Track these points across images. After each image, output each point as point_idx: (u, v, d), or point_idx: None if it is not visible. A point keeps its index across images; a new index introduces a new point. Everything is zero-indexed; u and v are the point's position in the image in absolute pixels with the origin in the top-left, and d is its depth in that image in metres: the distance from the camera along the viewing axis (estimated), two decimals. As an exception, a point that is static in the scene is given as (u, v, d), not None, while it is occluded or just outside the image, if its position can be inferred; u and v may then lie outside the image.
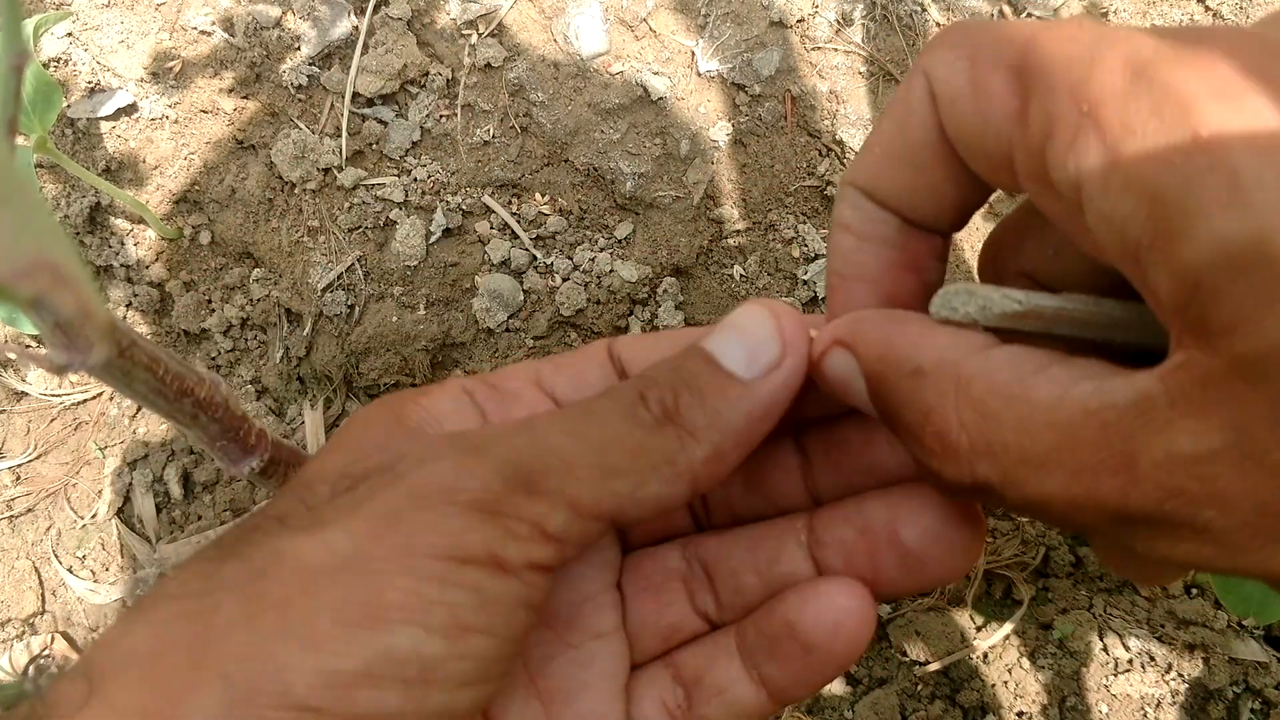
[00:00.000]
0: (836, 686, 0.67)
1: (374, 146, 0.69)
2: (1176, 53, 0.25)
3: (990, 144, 0.29)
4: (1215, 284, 0.22)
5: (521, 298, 0.67)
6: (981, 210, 0.62)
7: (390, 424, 0.35)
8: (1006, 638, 0.67)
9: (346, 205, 0.68)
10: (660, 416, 0.33)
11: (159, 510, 0.73)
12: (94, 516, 0.74)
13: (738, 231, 0.68)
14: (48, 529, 0.74)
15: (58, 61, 0.69)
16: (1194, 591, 0.66)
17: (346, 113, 0.68)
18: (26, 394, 0.75)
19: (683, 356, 0.34)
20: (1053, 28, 0.28)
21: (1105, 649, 0.66)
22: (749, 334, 0.34)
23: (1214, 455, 0.24)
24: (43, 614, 0.73)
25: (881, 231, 0.34)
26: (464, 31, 0.68)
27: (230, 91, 0.69)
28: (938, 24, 0.66)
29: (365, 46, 0.68)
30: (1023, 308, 0.33)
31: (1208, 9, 0.65)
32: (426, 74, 0.68)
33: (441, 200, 0.68)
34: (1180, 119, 0.24)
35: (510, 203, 0.68)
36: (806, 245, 0.67)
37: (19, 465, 0.75)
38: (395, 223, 0.68)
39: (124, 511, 0.74)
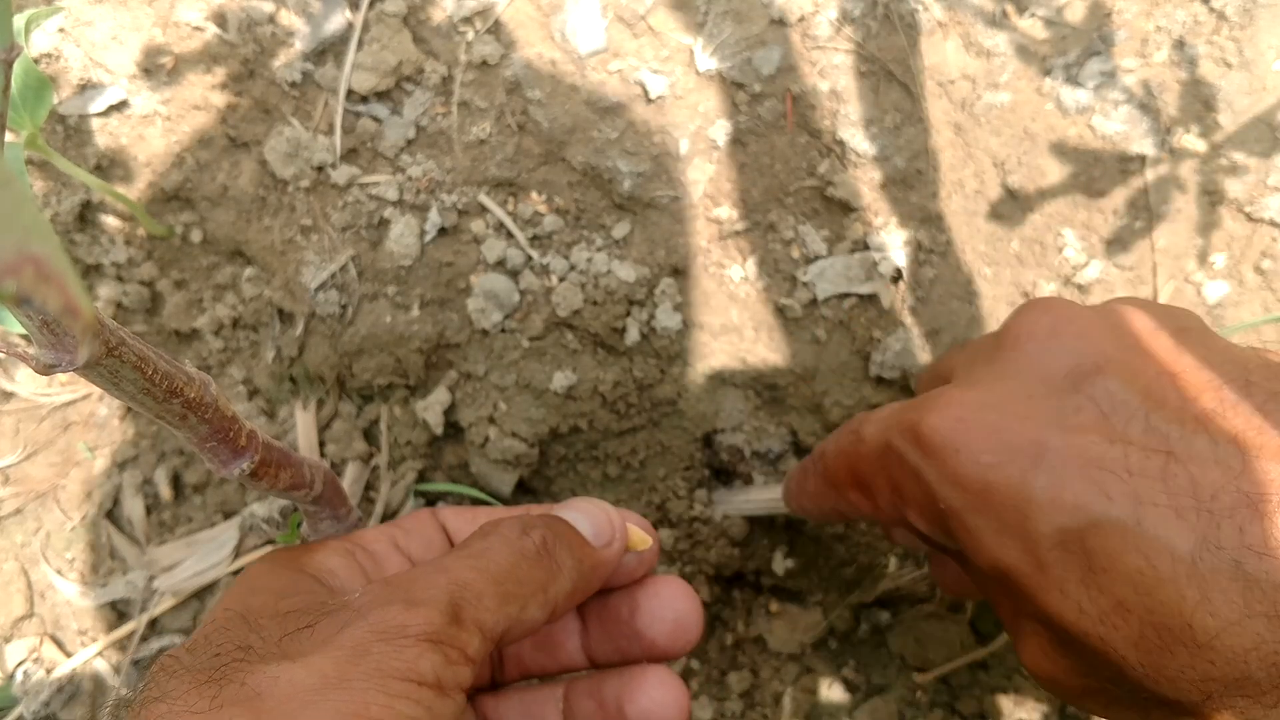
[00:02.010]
0: (836, 693, 0.67)
1: (368, 144, 0.68)
2: (912, 441, 0.42)
3: (872, 520, 0.53)
4: (1000, 581, 0.41)
5: (517, 298, 0.67)
6: (985, 213, 0.61)
7: (294, 573, 0.43)
8: (1006, 644, 0.67)
9: (340, 204, 0.67)
10: (540, 549, 0.42)
11: (149, 512, 0.72)
12: (83, 518, 0.73)
13: (737, 232, 0.67)
14: (36, 530, 0.73)
15: (49, 57, 0.68)
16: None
17: (340, 110, 0.68)
18: (15, 394, 0.75)
19: (548, 516, 0.45)
20: (855, 444, 0.48)
21: (1106, 655, 0.65)
22: (593, 517, 0.47)
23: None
24: (31, 617, 0.72)
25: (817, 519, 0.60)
26: (460, 28, 0.67)
27: (223, 88, 0.68)
28: (940, 23, 0.66)
29: (360, 43, 0.68)
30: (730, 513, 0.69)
31: (1212, 10, 0.64)
32: (422, 71, 0.68)
33: (436, 199, 0.67)
34: (934, 499, 0.42)
35: (506, 202, 0.67)
36: (806, 246, 0.66)
37: (7, 466, 0.74)
38: (389, 221, 0.67)
39: (113, 513, 0.73)
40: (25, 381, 0.75)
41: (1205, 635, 0.34)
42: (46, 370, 0.28)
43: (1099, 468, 0.37)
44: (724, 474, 0.73)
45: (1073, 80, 0.65)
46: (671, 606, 0.50)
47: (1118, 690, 0.39)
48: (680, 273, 0.67)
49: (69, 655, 0.70)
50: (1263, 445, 0.35)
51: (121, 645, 0.70)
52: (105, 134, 0.69)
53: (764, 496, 0.68)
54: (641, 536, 0.50)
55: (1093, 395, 0.39)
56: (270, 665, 0.34)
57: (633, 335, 0.66)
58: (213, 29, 0.68)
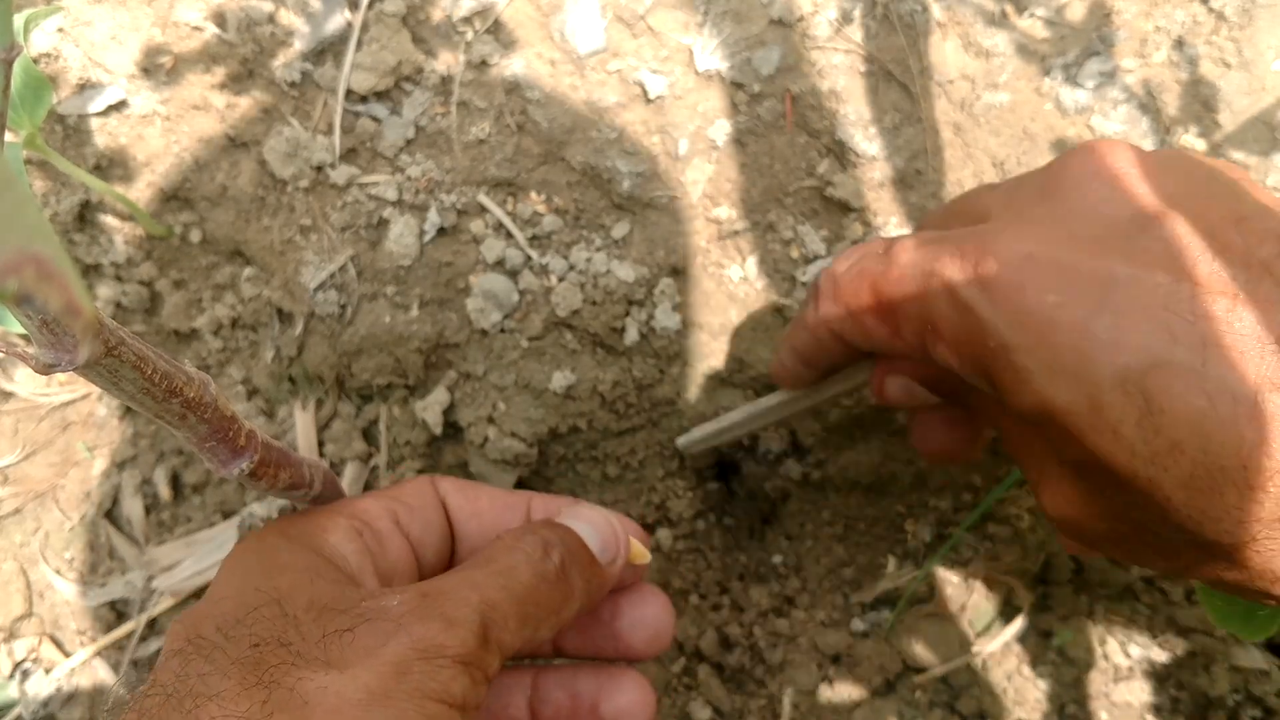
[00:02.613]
0: (834, 693, 0.67)
1: (367, 144, 0.68)
2: (969, 276, 0.42)
3: (881, 348, 0.50)
4: (1041, 422, 0.41)
5: (516, 298, 0.67)
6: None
7: (311, 554, 0.45)
8: (1006, 645, 0.67)
9: (339, 203, 0.67)
10: (559, 573, 0.44)
11: (148, 512, 0.72)
12: (82, 518, 0.73)
13: (736, 232, 0.67)
14: (35, 530, 0.73)
15: (48, 57, 0.68)
16: (1194, 599, 0.66)
17: (340, 109, 0.68)
18: (14, 394, 0.75)
19: (565, 530, 0.47)
20: (883, 266, 0.47)
21: (1106, 656, 0.65)
22: (601, 532, 0.49)
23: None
24: (29, 616, 0.72)
25: (804, 373, 0.57)
26: (459, 28, 0.67)
27: (222, 88, 0.68)
28: (939, 23, 0.66)
29: (359, 42, 0.68)
30: (699, 439, 0.68)
31: (1211, 10, 0.64)
32: (421, 70, 0.68)
33: (436, 199, 0.67)
34: (983, 335, 0.41)
35: (505, 202, 0.67)
36: (806, 246, 0.66)
37: (6, 466, 0.74)
38: (388, 221, 0.67)
39: (112, 513, 0.73)
40: (24, 381, 0.75)
41: (1260, 476, 0.35)
42: (46, 370, 0.28)
43: (1164, 309, 0.37)
44: (723, 472, 0.73)
45: (1072, 80, 0.65)
46: (654, 616, 0.53)
47: (1149, 534, 0.40)
48: (679, 273, 0.67)
49: (68, 655, 0.70)
50: None
51: (120, 645, 0.70)
52: (104, 134, 0.69)
53: (726, 421, 0.66)
54: (641, 550, 0.52)
55: (1159, 236, 0.39)
56: (316, 672, 0.36)
57: (632, 335, 0.66)
58: (212, 29, 0.68)
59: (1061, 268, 0.40)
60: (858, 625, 0.68)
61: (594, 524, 0.50)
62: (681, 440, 0.68)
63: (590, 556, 0.48)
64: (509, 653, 0.41)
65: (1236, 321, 0.36)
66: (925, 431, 0.57)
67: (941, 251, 0.44)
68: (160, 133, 0.69)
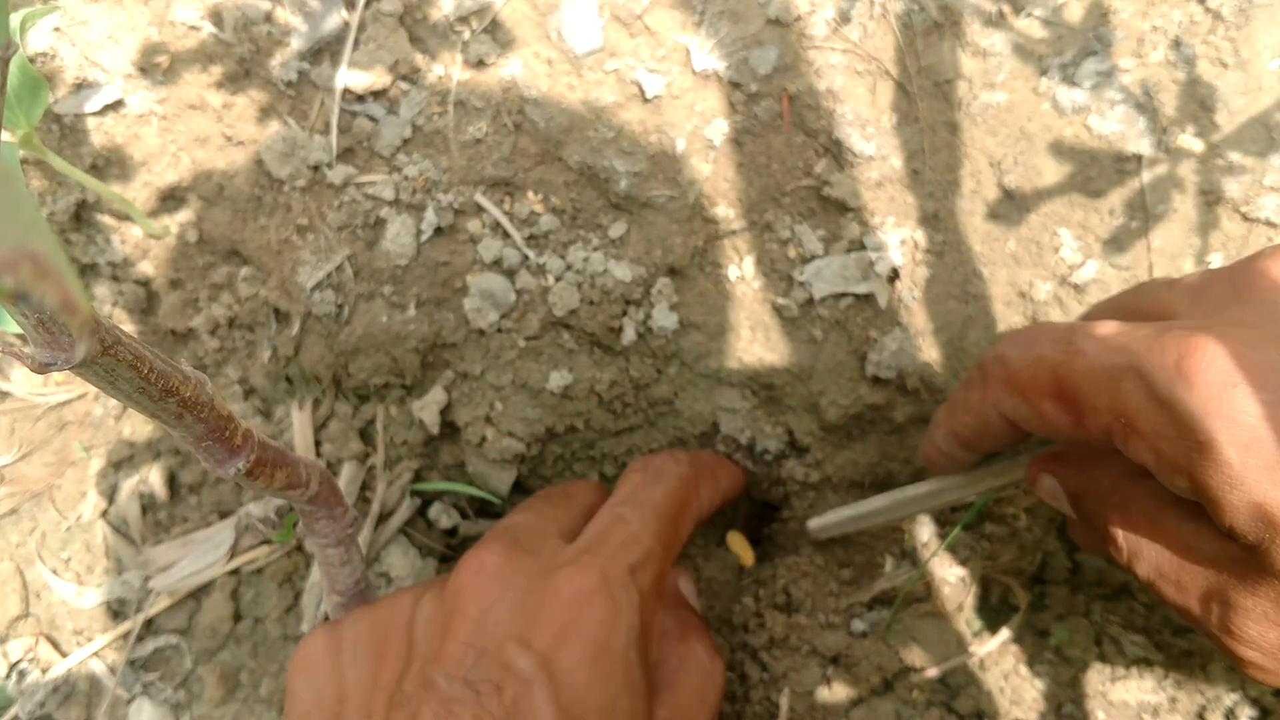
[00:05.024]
0: (832, 693, 0.67)
1: (364, 143, 0.68)
2: (1173, 372, 0.41)
3: (1058, 435, 0.49)
4: (1255, 533, 0.39)
5: (514, 298, 0.67)
6: (982, 213, 0.61)
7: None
8: (1003, 644, 0.67)
9: (336, 203, 0.67)
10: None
11: (144, 512, 0.72)
12: (79, 518, 0.73)
13: (733, 232, 0.67)
14: (32, 530, 0.73)
15: (44, 56, 0.68)
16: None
17: (337, 109, 0.68)
18: (10, 394, 0.75)
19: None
20: (1067, 355, 0.46)
21: (1102, 655, 0.65)
22: (692, 595, 0.67)
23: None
24: (26, 617, 0.72)
25: (960, 457, 0.58)
26: (456, 27, 0.67)
27: (219, 87, 0.68)
28: (936, 23, 0.66)
29: (356, 42, 0.68)
30: (833, 524, 0.67)
31: (1208, 10, 0.64)
32: (418, 70, 0.68)
33: (432, 198, 0.67)
34: (1190, 432, 0.40)
35: (503, 201, 0.67)
36: (803, 246, 0.66)
37: (3, 466, 0.74)
38: (385, 221, 0.67)
39: (109, 513, 0.73)
40: (20, 381, 0.75)
41: None
42: (42, 369, 0.28)
43: None
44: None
45: (1069, 80, 0.65)
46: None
47: None
48: (677, 272, 0.67)
49: (65, 655, 0.70)
50: None
51: (118, 645, 0.70)
52: (101, 133, 0.69)
53: (865, 509, 0.66)
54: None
55: None
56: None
57: (629, 335, 0.66)
58: (209, 28, 0.68)
59: (1272, 367, 0.40)
60: (857, 626, 0.68)
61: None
62: (813, 523, 0.68)
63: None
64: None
65: None
66: (1086, 537, 0.57)
67: (1138, 344, 0.44)
68: (157, 132, 0.69)
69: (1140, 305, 0.52)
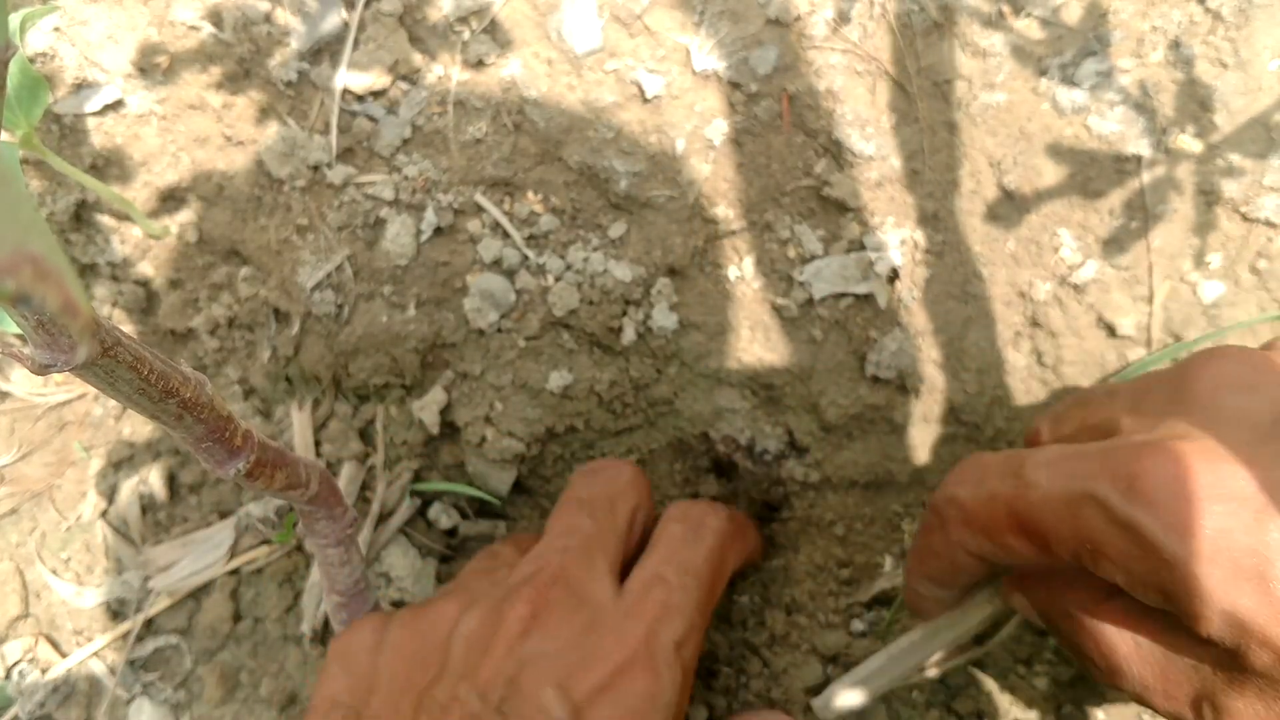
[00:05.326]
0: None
1: (364, 143, 0.68)
2: (1127, 495, 0.42)
3: (1028, 565, 0.52)
4: (1232, 639, 0.40)
5: (513, 298, 0.67)
6: (982, 213, 0.61)
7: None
8: (1003, 644, 0.67)
9: (336, 203, 0.67)
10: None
11: (144, 512, 0.72)
12: (79, 518, 0.73)
13: (733, 232, 0.67)
14: (31, 530, 0.73)
15: (44, 56, 0.68)
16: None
17: (336, 109, 0.68)
18: (10, 394, 0.75)
19: None
20: (1018, 489, 0.48)
21: (1102, 655, 0.65)
22: None
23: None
24: (26, 617, 0.72)
25: (942, 596, 0.59)
26: (456, 27, 0.67)
27: (218, 87, 0.68)
28: (936, 24, 0.66)
29: (356, 42, 0.68)
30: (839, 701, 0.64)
31: (1207, 10, 0.64)
32: (418, 70, 0.68)
33: (432, 198, 0.67)
34: (1154, 550, 0.41)
35: (502, 201, 0.67)
36: (803, 246, 0.66)
37: (3, 466, 0.74)
38: (385, 221, 0.67)
39: (109, 513, 0.73)
40: (20, 381, 0.75)
41: None
42: (42, 370, 0.28)
43: None
44: (721, 468, 0.73)
45: (1069, 80, 0.65)
46: None
47: None
48: (676, 272, 0.67)
49: (64, 655, 0.70)
50: None
51: (117, 645, 0.70)
52: (100, 133, 0.69)
53: (864, 672, 0.64)
54: None
55: None
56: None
57: (629, 335, 0.66)
58: (208, 28, 0.68)
59: (1224, 477, 0.41)
60: (857, 625, 0.68)
61: None
62: (817, 702, 0.66)
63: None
64: None
65: None
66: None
67: (1086, 470, 0.45)
68: (156, 132, 0.69)
69: (1084, 419, 0.53)
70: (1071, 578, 0.51)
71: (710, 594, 0.60)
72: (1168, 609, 0.43)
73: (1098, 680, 0.51)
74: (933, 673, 0.66)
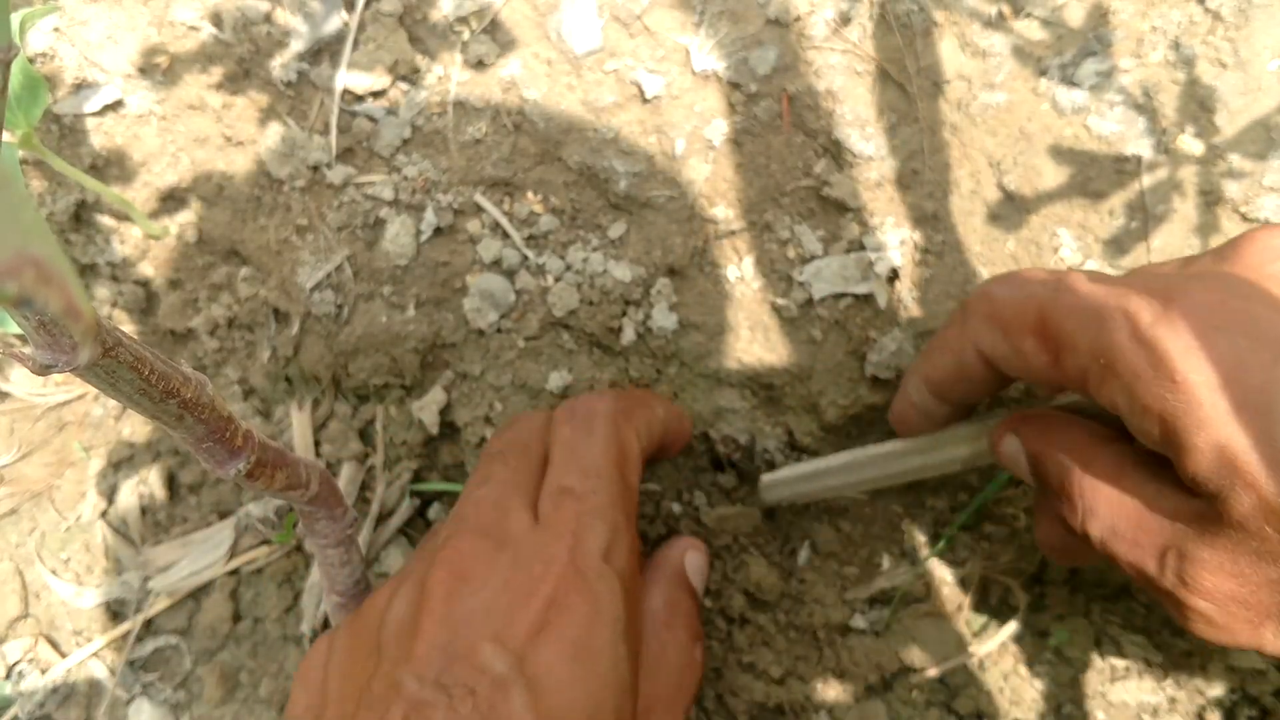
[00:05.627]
0: (831, 693, 0.67)
1: (364, 144, 0.68)
2: (1158, 314, 0.42)
3: (1033, 376, 0.50)
4: (1217, 479, 0.40)
5: (513, 298, 0.67)
6: (982, 214, 0.61)
7: None
8: (1003, 644, 0.67)
9: (335, 203, 0.67)
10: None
11: (144, 512, 0.72)
12: (78, 519, 0.73)
13: (733, 232, 0.67)
14: (31, 531, 0.73)
15: (44, 56, 0.68)
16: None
17: (336, 109, 0.68)
18: (9, 394, 0.75)
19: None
20: (1055, 294, 0.47)
21: (1102, 656, 0.65)
22: (698, 572, 0.65)
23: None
24: (26, 617, 0.72)
25: (932, 409, 0.58)
26: (456, 28, 0.67)
27: (218, 88, 0.68)
28: (936, 24, 0.66)
29: (356, 42, 0.68)
30: (783, 481, 0.66)
31: (1207, 10, 0.64)
32: (418, 70, 0.68)
33: (432, 199, 0.67)
34: (1167, 370, 0.41)
35: (502, 201, 0.67)
36: (802, 246, 0.66)
37: (3, 466, 0.74)
38: (385, 221, 0.67)
39: (109, 514, 0.73)
40: (20, 381, 0.75)
41: None
42: (43, 371, 0.28)
43: None
44: (721, 468, 0.73)
45: (1069, 81, 0.65)
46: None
47: None
48: (676, 273, 0.67)
49: (64, 656, 0.70)
50: None
51: (117, 646, 0.70)
52: (100, 134, 0.69)
53: (818, 466, 0.64)
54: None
55: None
56: None
57: (629, 335, 0.66)
58: (208, 28, 0.68)
59: (1252, 317, 0.41)
60: (858, 623, 0.68)
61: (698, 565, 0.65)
62: (766, 479, 0.66)
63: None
64: None
65: None
66: (1048, 532, 0.56)
67: (1127, 288, 0.45)
68: (156, 132, 0.69)
69: (1134, 284, 0.53)
70: (1066, 421, 0.52)
71: (624, 485, 0.57)
72: (1159, 446, 0.43)
73: (1069, 529, 0.51)
74: (932, 672, 0.66)
